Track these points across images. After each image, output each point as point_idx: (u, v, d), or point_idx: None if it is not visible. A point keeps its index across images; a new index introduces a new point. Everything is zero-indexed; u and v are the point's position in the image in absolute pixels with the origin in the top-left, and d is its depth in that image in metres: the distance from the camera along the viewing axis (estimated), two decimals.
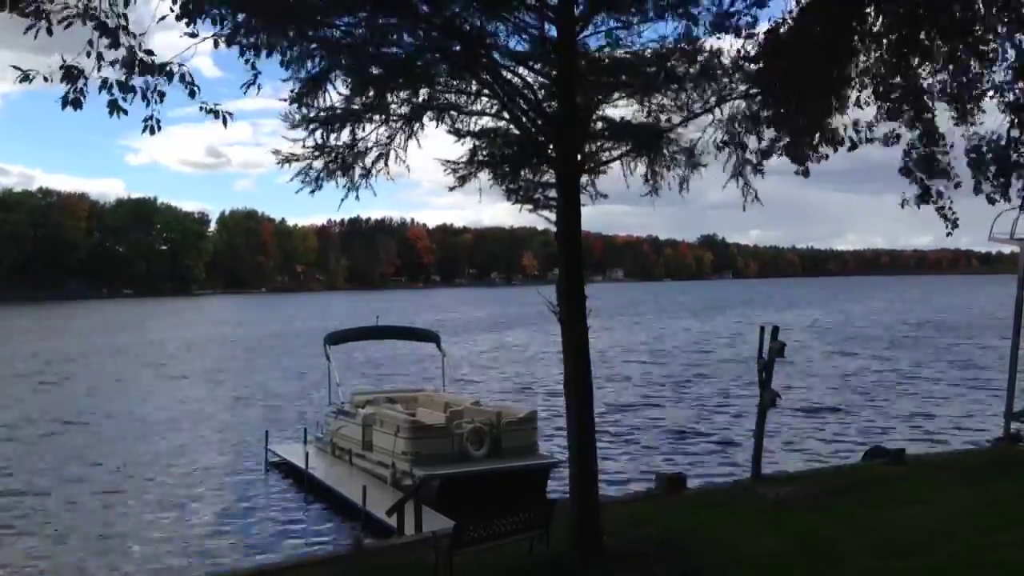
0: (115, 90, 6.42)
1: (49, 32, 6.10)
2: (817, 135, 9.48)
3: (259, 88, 7.61)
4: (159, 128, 6.81)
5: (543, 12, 8.57)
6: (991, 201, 10.43)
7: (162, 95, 6.73)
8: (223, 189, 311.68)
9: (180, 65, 6.74)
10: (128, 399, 31.09)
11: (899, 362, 37.95)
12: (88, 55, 6.21)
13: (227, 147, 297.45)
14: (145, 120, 6.79)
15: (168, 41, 6.91)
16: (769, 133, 9.34)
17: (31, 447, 22.17)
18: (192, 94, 6.81)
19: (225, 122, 7.14)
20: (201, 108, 7.00)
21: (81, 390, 33.71)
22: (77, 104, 6.30)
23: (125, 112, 6.53)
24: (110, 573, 12.57)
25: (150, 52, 6.61)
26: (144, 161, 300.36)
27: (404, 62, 8.24)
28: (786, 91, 8.69)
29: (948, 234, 10.50)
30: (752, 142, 9.26)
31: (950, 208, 10.35)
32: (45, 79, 6.15)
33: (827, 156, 9.82)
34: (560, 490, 13.76)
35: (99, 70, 6.32)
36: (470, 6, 8.21)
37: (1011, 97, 10.01)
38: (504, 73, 8.69)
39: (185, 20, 6.77)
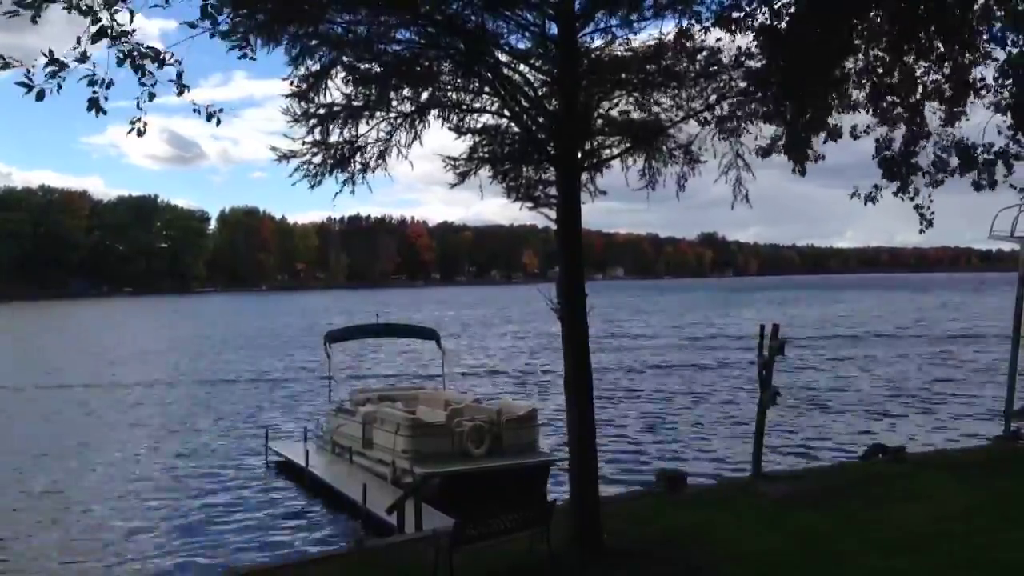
0: (99, 87, 6.30)
1: (34, 21, 6.02)
2: (816, 133, 9.51)
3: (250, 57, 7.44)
4: (145, 131, 6.69)
5: (544, 10, 8.56)
6: (978, 188, 10.50)
7: (152, 96, 6.64)
8: (203, 185, 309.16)
9: (179, 62, 6.70)
10: (126, 397, 31.10)
11: (899, 360, 37.94)
12: (74, 49, 6.12)
13: (187, 138, 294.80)
14: (132, 122, 6.67)
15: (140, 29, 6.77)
16: (768, 130, 9.36)
17: (23, 444, 22.18)
18: (180, 92, 6.73)
19: (218, 122, 7.08)
20: (194, 110, 6.94)
21: (76, 387, 33.70)
22: (41, 96, 6.10)
23: (105, 112, 6.40)
24: (110, 571, 12.57)
25: (156, 52, 6.54)
26: (112, 156, 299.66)
27: (406, 60, 8.23)
28: (786, 88, 8.69)
29: (921, 231, 10.68)
30: (749, 140, 9.27)
31: (928, 207, 10.45)
32: (28, 71, 6.03)
33: (823, 156, 9.87)
34: (560, 488, 13.76)
35: (82, 61, 6.21)
36: (472, 3, 8.19)
37: (1005, 94, 10.07)
38: (505, 71, 8.67)
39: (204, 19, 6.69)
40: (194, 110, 6.91)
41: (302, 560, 10.68)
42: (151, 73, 6.57)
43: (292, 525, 14.60)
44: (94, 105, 6.34)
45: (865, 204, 10.47)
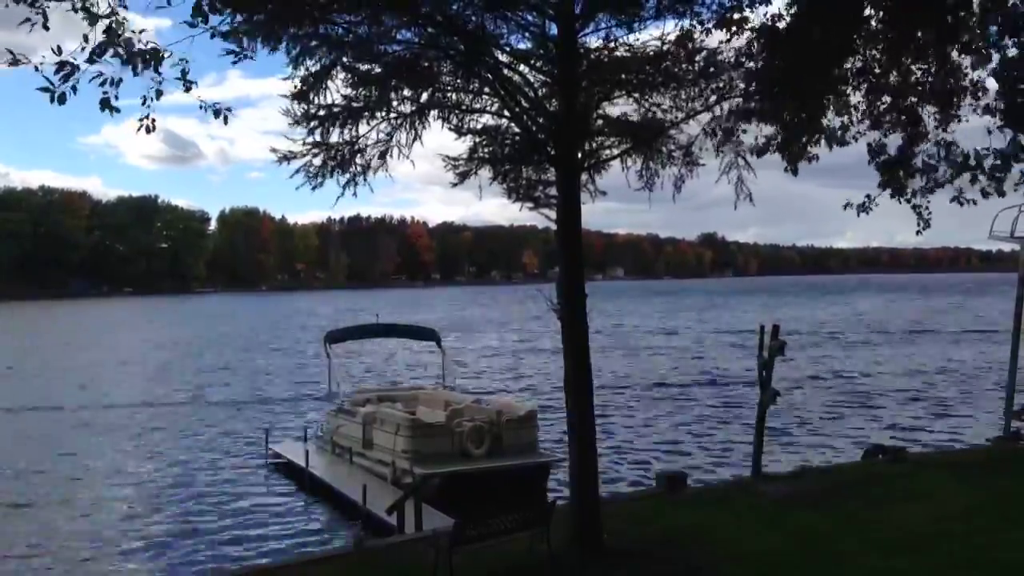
0: (107, 86, 6.30)
1: (46, 27, 6.02)
2: (811, 133, 9.50)
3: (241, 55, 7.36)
4: (154, 128, 6.70)
5: (544, 10, 8.56)
6: (985, 195, 10.50)
7: (160, 93, 6.64)
8: (201, 184, 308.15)
9: (185, 60, 6.67)
10: (125, 398, 31.09)
11: (899, 360, 37.95)
12: (82, 49, 6.12)
13: (184, 138, 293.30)
14: (141, 119, 6.67)
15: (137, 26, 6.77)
16: (765, 130, 9.35)
17: (21, 443, 22.18)
18: (188, 89, 6.73)
19: (226, 120, 7.07)
20: (201, 107, 6.93)
21: (75, 388, 33.69)
22: (63, 100, 6.14)
23: (118, 110, 6.40)
24: (110, 572, 12.58)
25: (156, 52, 6.52)
26: (108, 155, 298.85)
27: (407, 61, 8.23)
28: (783, 88, 8.69)
29: (918, 232, 10.68)
30: (748, 139, 9.27)
31: (926, 207, 10.45)
32: (36, 68, 6.03)
33: (818, 157, 9.86)
34: (560, 488, 13.76)
35: (92, 63, 6.20)
36: (472, 4, 8.20)
37: (1000, 99, 10.09)
38: (505, 71, 8.67)
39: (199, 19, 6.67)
40: (200, 107, 6.91)
41: (302, 560, 10.68)
42: (159, 72, 6.57)
43: (292, 525, 14.60)
44: (106, 105, 6.34)
45: (858, 215, 10.48)
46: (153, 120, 6.70)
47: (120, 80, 6.40)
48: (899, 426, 22.54)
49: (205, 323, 78.84)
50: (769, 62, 8.70)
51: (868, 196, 10.51)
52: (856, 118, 9.88)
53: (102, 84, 6.32)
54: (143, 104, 6.66)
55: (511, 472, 14.55)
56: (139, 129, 6.67)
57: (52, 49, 6.03)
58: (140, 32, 6.49)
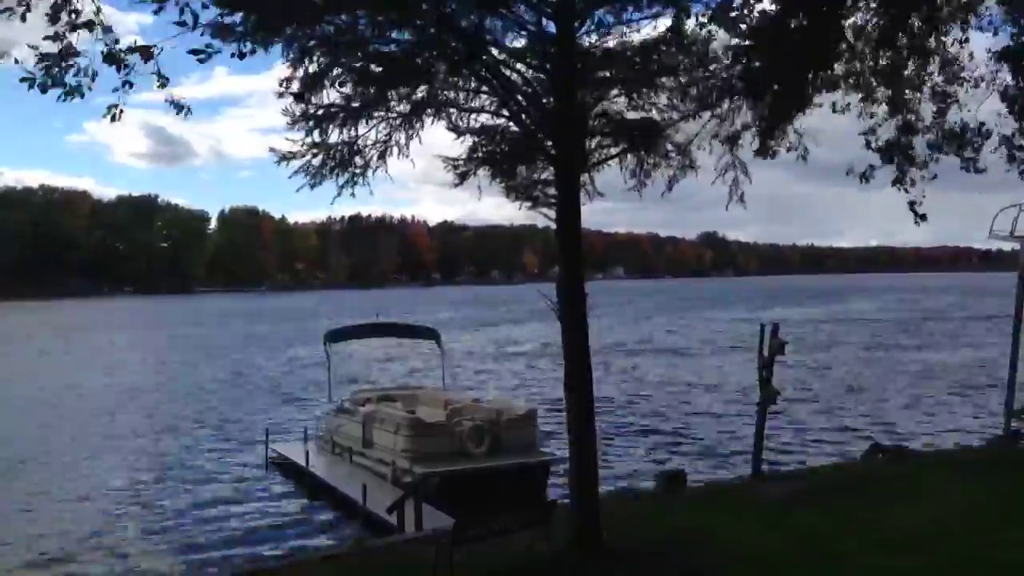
0: (81, 76, 6.28)
1: (23, 18, 6.01)
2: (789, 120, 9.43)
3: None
4: (120, 116, 6.64)
5: (542, 8, 8.56)
6: (978, 172, 10.46)
7: (130, 84, 6.58)
8: (194, 183, 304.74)
9: (161, 48, 6.61)
10: (126, 397, 31.09)
11: (900, 359, 37.94)
12: (56, 42, 6.10)
13: (175, 136, 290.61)
14: (109, 107, 6.62)
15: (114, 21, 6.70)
16: (745, 118, 9.29)
17: (21, 444, 22.17)
18: (163, 85, 6.68)
19: (188, 112, 7.01)
20: (167, 101, 6.88)
21: (75, 388, 33.70)
22: (44, 89, 6.14)
23: (82, 95, 6.37)
24: (110, 572, 12.57)
25: (146, 48, 6.48)
26: (97, 154, 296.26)
27: (402, 59, 8.23)
28: (767, 81, 8.64)
29: (916, 223, 10.61)
30: (741, 134, 9.24)
31: (920, 202, 10.41)
32: (16, 61, 6.02)
33: (805, 154, 9.77)
34: (560, 488, 13.76)
35: (69, 55, 6.17)
36: (467, 2, 8.19)
37: (1006, 83, 10.07)
38: (502, 70, 8.67)
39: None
40: (167, 101, 6.87)
41: (302, 560, 10.68)
42: (127, 67, 6.51)
43: (292, 525, 14.60)
44: (74, 91, 6.30)
45: (860, 182, 10.36)
46: (121, 110, 6.66)
47: (96, 73, 6.36)
48: (899, 426, 22.54)
49: (205, 322, 78.82)
50: (752, 58, 8.66)
51: (871, 166, 10.38)
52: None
53: (76, 74, 6.28)
54: (116, 93, 6.59)
55: (511, 471, 14.55)
56: (105, 115, 6.65)
57: (28, 45, 6.03)
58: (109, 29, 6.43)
